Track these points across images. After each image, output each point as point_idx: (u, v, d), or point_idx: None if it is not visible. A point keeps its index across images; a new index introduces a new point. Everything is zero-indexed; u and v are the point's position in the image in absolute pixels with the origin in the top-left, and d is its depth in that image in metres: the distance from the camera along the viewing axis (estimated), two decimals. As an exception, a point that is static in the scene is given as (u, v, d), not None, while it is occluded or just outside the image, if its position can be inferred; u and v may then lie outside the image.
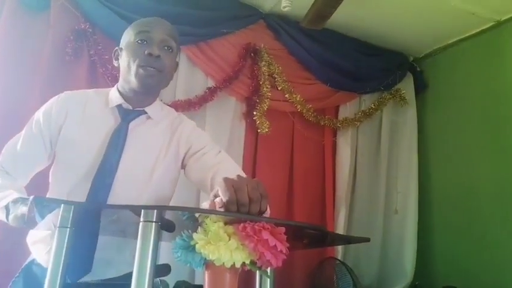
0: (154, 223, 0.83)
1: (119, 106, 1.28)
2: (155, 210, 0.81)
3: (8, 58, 2.16)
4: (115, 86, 1.33)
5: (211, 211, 0.82)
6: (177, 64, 1.39)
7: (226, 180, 0.85)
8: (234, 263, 0.79)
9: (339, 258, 2.81)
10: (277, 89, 2.79)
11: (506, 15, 2.70)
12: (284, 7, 2.43)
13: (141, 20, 1.32)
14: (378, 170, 3.15)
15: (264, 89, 2.68)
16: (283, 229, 0.84)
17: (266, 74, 2.73)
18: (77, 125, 1.27)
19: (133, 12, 2.38)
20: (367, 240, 1.08)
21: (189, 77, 2.61)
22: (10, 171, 1.28)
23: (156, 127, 1.32)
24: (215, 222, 0.81)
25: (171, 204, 2.31)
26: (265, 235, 0.79)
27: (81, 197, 1.16)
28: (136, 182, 1.24)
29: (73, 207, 0.92)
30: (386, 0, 2.62)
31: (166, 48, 1.26)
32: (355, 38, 3.11)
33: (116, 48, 1.34)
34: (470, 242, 2.75)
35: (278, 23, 2.83)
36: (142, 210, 0.82)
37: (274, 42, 2.87)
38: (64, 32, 2.29)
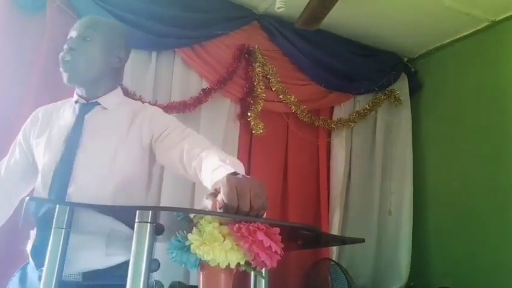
0: (149, 224, 0.83)
1: (76, 103, 1.35)
2: (150, 211, 0.81)
3: (4, 59, 2.15)
4: None
5: (206, 212, 0.82)
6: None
7: (230, 180, 0.85)
8: (229, 263, 0.80)
9: (333, 259, 2.81)
10: (272, 90, 2.80)
11: (500, 16, 2.71)
12: (278, 8, 2.43)
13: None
14: (372, 171, 3.16)
15: (258, 90, 2.69)
16: (278, 230, 0.85)
17: (260, 75, 2.73)
18: (45, 132, 1.34)
19: (127, 13, 2.39)
20: (362, 240, 1.08)
21: (184, 79, 2.62)
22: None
23: (113, 115, 1.34)
24: (210, 222, 0.81)
25: (164, 203, 2.32)
26: (260, 236, 0.80)
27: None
28: (98, 170, 1.26)
29: (68, 208, 0.92)
30: (380, 2, 2.63)
31: (83, 39, 1.29)
32: (349, 39, 3.12)
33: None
34: (464, 242, 2.76)
35: (272, 24, 2.84)
36: (137, 211, 0.82)
37: (268, 43, 2.87)
38: (59, 33, 2.25)
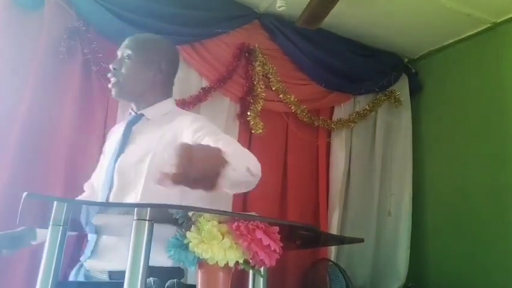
0: (147, 221, 0.82)
1: (129, 114, 1.51)
2: (148, 208, 0.81)
3: (2, 57, 2.14)
4: None
5: (204, 209, 0.81)
6: (143, 69, 1.47)
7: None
8: (227, 262, 0.79)
9: (332, 259, 2.81)
10: (272, 89, 2.79)
11: (502, 17, 2.71)
12: (279, 7, 2.42)
13: None
14: (372, 171, 3.15)
15: (258, 89, 2.68)
16: (277, 228, 0.84)
17: (260, 74, 2.72)
18: (107, 146, 1.55)
19: (127, 11, 2.38)
20: (361, 240, 1.08)
21: (184, 77, 2.60)
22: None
23: (154, 125, 1.43)
24: (209, 221, 0.80)
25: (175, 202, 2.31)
26: (259, 234, 0.79)
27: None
28: (128, 176, 1.34)
29: (65, 204, 0.91)
30: (381, 2, 2.62)
31: (125, 59, 1.44)
32: (350, 38, 3.11)
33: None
34: (464, 243, 2.75)
35: (273, 23, 2.83)
36: (136, 209, 0.82)
37: (268, 42, 2.86)
38: (57, 30, 2.27)
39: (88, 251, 1.37)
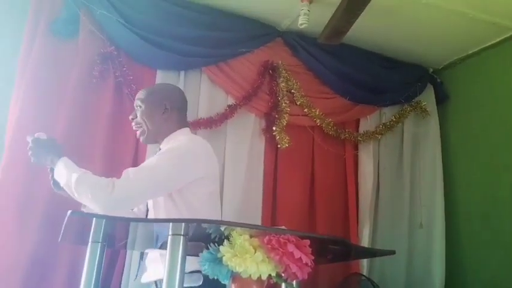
0: (182, 236, 0.86)
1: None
2: (183, 224, 0.84)
3: (40, 83, 2.25)
4: None
5: (236, 223, 0.84)
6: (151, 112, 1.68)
7: None
8: (260, 275, 0.81)
9: (364, 273, 2.77)
10: (296, 104, 2.82)
11: (526, 23, 2.68)
12: (301, 24, 2.46)
13: None
14: (401, 183, 3.11)
15: (283, 104, 2.71)
16: (308, 242, 0.86)
17: (284, 89, 2.76)
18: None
19: (154, 34, 2.48)
20: (392, 252, 1.09)
21: (210, 96, 2.67)
22: None
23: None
24: (241, 235, 0.83)
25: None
26: (291, 248, 0.81)
27: None
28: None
29: (104, 221, 0.96)
30: (402, 14, 2.63)
31: (138, 108, 1.68)
32: (373, 51, 3.12)
33: None
34: (500, 254, 2.67)
35: (295, 40, 2.88)
36: (171, 224, 0.85)
37: (291, 58, 2.91)
38: (91, 56, 2.38)
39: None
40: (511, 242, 2.62)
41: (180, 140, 1.60)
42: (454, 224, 3.02)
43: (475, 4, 2.49)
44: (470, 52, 3.07)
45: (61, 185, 1.43)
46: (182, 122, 1.72)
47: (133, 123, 1.69)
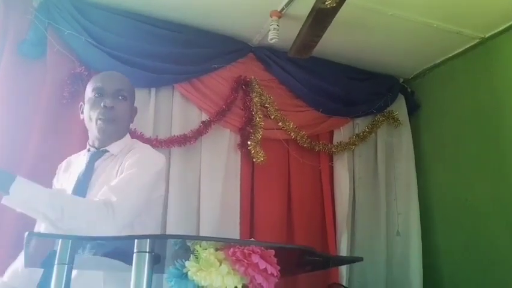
0: (147, 253, 0.85)
1: (88, 150, 1.55)
2: (148, 240, 0.84)
3: (7, 104, 2.22)
4: None
5: (201, 237, 0.84)
6: (136, 109, 1.64)
7: None
8: (226, 288, 0.81)
9: (344, 283, 2.78)
10: (270, 118, 2.85)
11: (489, 32, 2.76)
12: (271, 39, 2.51)
13: (96, 76, 1.59)
14: (377, 192, 3.15)
15: (257, 119, 2.74)
16: (273, 252, 0.87)
17: (258, 104, 2.79)
18: (64, 178, 1.56)
19: (124, 53, 2.47)
20: (360, 259, 1.10)
21: (184, 113, 2.67)
22: None
23: (116, 160, 1.49)
24: (205, 248, 0.83)
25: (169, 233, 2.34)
26: (255, 258, 0.82)
27: None
28: None
29: (70, 242, 0.94)
30: (370, 26, 2.70)
31: (120, 97, 1.49)
32: (343, 63, 3.18)
33: (81, 103, 1.58)
34: (476, 260, 2.71)
35: (267, 55, 2.92)
36: (136, 240, 0.84)
37: (264, 73, 2.94)
38: (60, 76, 2.36)
39: None
40: (486, 247, 2.67)
41: (150, 152, 1.54)
42: (430, 231, 3.06)
43: (438, 15, 2.57)
44: (438, 61, 3.16)
45: (21, 210, 1.21)
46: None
47: (104, 110, 1.46)
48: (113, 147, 1.51)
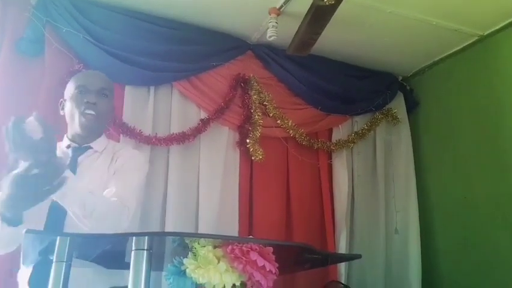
0: (145, 251, 0.85)
1: (68, 146, 1.52)
2: (146, 237, 0.83)
3: (6, 102, 2.22)
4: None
5: (200, 235, 0.84)
6: (113, 107, 1.65)
7: None
8: (225, 285, 0.81)
9: (342, 281, 2.78)
10: (269, 116, 2.85)
11: (488, 30, 2.77)
12: (270, 37, 2.50)
13: (78, 74, 1.61)
14: (376, 190, 3.16)
15: (256, 116, 2.74)
16: (271, 249, 0.86)
17: (257, 102, 2.79)
18: None
19: (123, 51, 2.46)
20: (359, 256, 1.10)
21: (182, 111, 2.67)
22: None
23: (100, 157, 1.53)
24: (204, 246, 0.83)
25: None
26: (254, 256, 0.81)
27: None
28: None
29: (68, 239, 0.93)
30: (369, 24, 2.69)
31: (102, 95, 1.52)
32: (342, 61, 3.18)
33: (61, 99, 1.59)
34: (474, 257, 2.72)
35: (266, 53, 2.91)
36: (134, 238, 0.84)
37: (263, 71, 2.94)
38: (58, 74, 2.35)
39: None
40: (484, 245, 2.67)
41: (138, 156, 1.61)
42: (429, 229, 3.07)
43: (437, 12, 2.58)
44: (437, 59, 3.17)
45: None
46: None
47: (87, 106, 1.47)
48: (97, 145, 1.54)
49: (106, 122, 1.60)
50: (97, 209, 1.21)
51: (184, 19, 2.70)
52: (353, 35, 2.83)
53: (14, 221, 1.10)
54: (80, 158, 1.50)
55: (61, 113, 1.59)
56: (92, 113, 1.48)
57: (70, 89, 1.55)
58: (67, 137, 1.56)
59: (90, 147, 1.53)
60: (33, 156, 0.96)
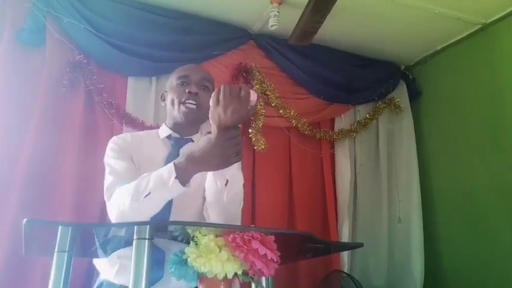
0: (147, 240, 0.85)
1: (169, 136, 1.50)
2: (148, 226, 0.84)
3: (6, 93, 2.22)
4: (163, 123, 1.56)
5: (201, 223, 0.85)
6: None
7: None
8: (226, 274, 0.81)
9: (345, 270, 2.79)
10: (271, 105, 2.84)
11: (491, 18, 2.74)
12: (272, 26, 2.49)
13: (181, 67, 1.58)
14: (378, 179, 3.15)
15: (258, 106, 2.73)
16: (273, 238, 0.87)
17: (259, 91, 2.77)
18: (138, 161, 1.44)
19: (125, 42, 2.46)
20: (361, 245, 1.10)
21: (184, 100, 2.66)
22: None
23: None
24: (205, 235, 0.83)
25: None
26: (255, 244, 0.82)
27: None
28: (189, 200, 1.40)
29: (70, 228, 0.93)
30: (371, 13, 2.67)
31: (203, 87, 1.49)
32: (345, 50, 3.16)
33: (163, 92, 1.58)
34: (476, 247, 2.72)
35: (267, 42, 2.90)
36: (135, 227, 0.84)
37: (265, 60, 2.93)
38: (59, 65, 2.36)
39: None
40: (486, 234, 2.68)
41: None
42: (432, 218, 3.07)
43: (440, 1, 2.55)
44: (439, 48, 3.14)
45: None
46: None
47: (188, 95, 1.44)
48: (196, 138, 1.51)
49: (205, 117, 1.46)
50: (237, 192, 1.30)
51: (185, 9, 2.68)
52: (355, 24, 2.81)
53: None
54: (181, 150, 1.46)
55: (162, 104, 1.59)
56: (193, 103, 1.45)
57: (171, 81, 1.54)
58: (167, 126, 1.53)
59: (192, 140, 1.50)
60: None
